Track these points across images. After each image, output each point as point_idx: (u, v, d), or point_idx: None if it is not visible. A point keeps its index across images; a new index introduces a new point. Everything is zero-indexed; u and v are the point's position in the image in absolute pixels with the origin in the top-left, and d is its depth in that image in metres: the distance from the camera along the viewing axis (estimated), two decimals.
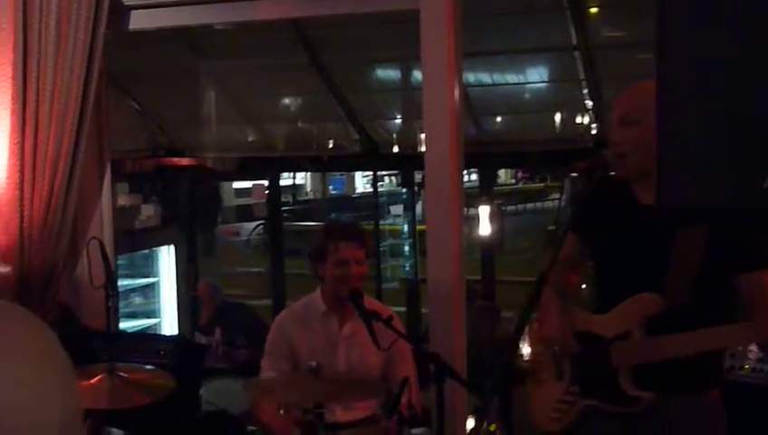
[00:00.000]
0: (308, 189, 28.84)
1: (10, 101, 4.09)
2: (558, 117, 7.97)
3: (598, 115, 7.50)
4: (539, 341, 3.11)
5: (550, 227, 16.52)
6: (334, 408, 3.74)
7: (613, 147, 2.80)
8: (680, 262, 2.65)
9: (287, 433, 3.55)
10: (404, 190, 12.02)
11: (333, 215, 20.75)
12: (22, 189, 4.14)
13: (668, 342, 2.67)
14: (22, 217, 4.16)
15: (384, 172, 17.33)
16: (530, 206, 25.22)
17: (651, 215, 2.68)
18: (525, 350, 6.64)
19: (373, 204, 12.22)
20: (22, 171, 4.13)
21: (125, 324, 7.95)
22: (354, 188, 27.83)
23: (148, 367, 3.53)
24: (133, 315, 8.80)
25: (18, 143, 4.11)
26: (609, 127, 2.90)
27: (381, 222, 12.72)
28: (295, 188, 25.87)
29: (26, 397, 0.80)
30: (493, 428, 3.96)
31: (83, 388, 3.13)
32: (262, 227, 18.92)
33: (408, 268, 12.17)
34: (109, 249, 4.18)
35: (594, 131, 7.58)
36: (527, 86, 7.94)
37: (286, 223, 12.07)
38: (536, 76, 7.84)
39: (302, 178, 27.19)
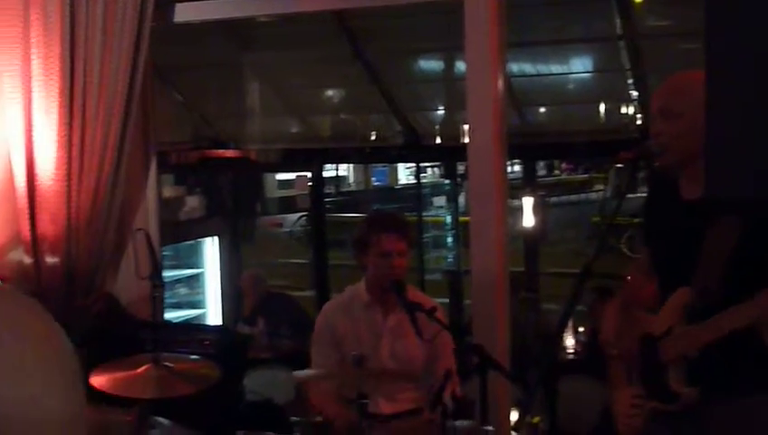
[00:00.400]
0: (351, 181, 28.85)
1: (58, 94, 4.14)
2: (602, 107, 7.90)
3: (643, 106, 7.41)
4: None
5: (594, 219, 16.39)
6: (378, 399, 3.75)
7: (654, 138, 2.77)
8: (711, 252, 2.62)
9: (343, 417, 3.54)
10: (447, 181, 11.99)
11: (376, 206, 20.74)
12: (69, 181, 4.20)
13: (698, 328, 2.64)
14: (69, 208, 4.21)
15: (427, 163, 17.30)
16: (573, 197, 25.01)
17: (693, 207, 2.66)
18: (569, 342, 6.60)
19: (416, 195, 12.20)
20: (69, 164, 4.19)
21: (170, 315, 8.02)
22: (397, 180, 27.78)
23: (193, 357, 3.57)
24: (178, 306, 8.88)
25: (66, 136, 4.17)
26: (651, 118, 2.86)
27: (424, 213, 12.70)
28: (338, 180, 25.91)
29: (31, 388, 0.81)
30: (536, 420, 3.95)
31: (130, 377, 3.17)
32: (305, 218, 18.98)
33: (450, 260, 12.13)
34: (154, 240, 4.22)
35: (639, 122, 7.50)
36: (571, 76, 7.88)
37: (329, 214, 12.10)
38: (580, 66, 7.77)
39: (344, 169, 27.21)
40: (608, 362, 3.04)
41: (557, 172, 28.83)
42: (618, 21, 6.67)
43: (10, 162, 4.27)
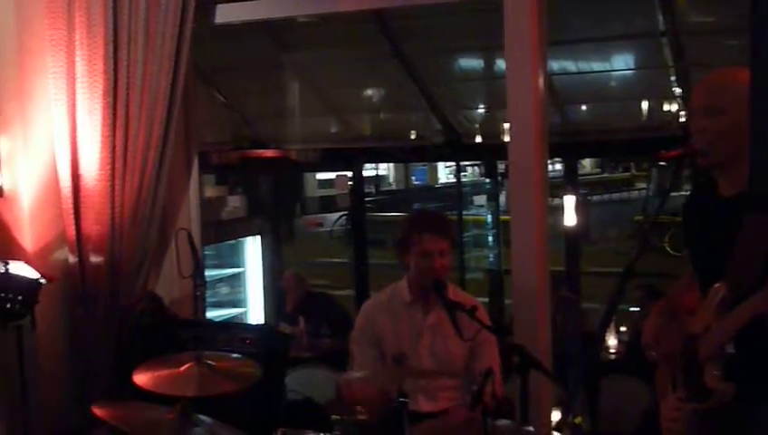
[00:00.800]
0: (391, 180, 28.91)
1: (101, 95, 4.19)
2: (645, 105, 7.82)
3: (686, 102, 7.32)
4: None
5: (636, 218, 16.24)
6: (418, 397, 3.75)
7: (697, 136, 2.73)
8: (747, 246, 2.58)
9: (382, 414, 3.53)
10: (487, 180, 11.95)
11: (416, 205, 20.74)
12: (113, 181, 4.24)
13: (725, 321, 2.61)
14: (113, 208, 4.26)
15: (467, 162, 17.26)
16: (615, 196, 24.83)
17: (733, 204, 2.63)
18: (611, 341, 6.55)
19: (456, 194, 12.17)
20: (113, 164, 4.23)
21: (212, 314, 8.09)
22: (437, 179, 27.78)
23: (235, 355, 3.58)
24: (220, 305, 8.94)
25: (109, 136, 4.22)
26: (691, 116, 2.83)
27: (464, 212, 12.66)
28: (378, 179, 25.97)
29: None
30: (578, 420, 3.93)
31: (172, 376, 3.19)
32: (345, 217, 19.03)
33: (491, 259, 12.09)
34: (196, 240, 4.26)
35: (682, 119, 7.41)
36: (613, 74, 7.80)
37: (369, 213, 12.11)
38: (622, 63, 7.69)
39: (384, 168, 27.28)
40: (656, 370, 3.01)
41: (597, 170, 28.62)
42: (660, 17, 6.60)
43: (55, 163, 4.33)
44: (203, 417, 3.03)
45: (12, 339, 3.92)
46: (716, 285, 2.69)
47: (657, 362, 2.97)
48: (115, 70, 4.18)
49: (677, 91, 7.39)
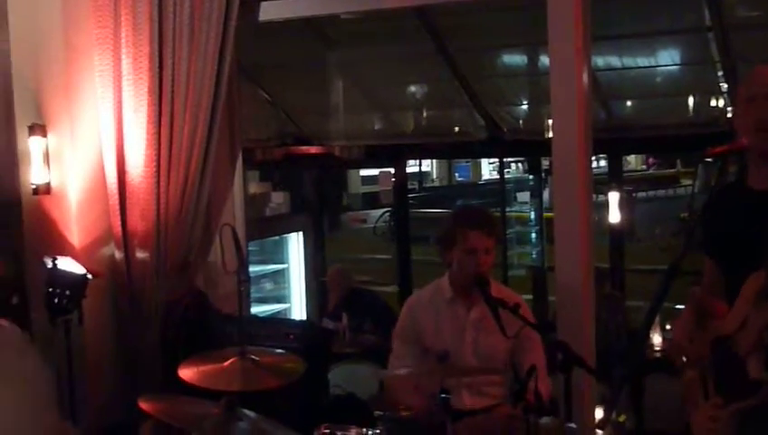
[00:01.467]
0: (434, 176, 28.86)
1: (147, 93, 4.24)
2: (691, 100, 7.72)
3: (733, 98, 7.22)
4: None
5: (682, 215, 16.03)
6: (461, 394, 3.74)
7: (761, 123, 2.70)
8: None
9: (426, 410, 3.54)
10: (531, 177, 11.89)
11: (459, 202, 20.69)
12: (158, 178, 4.29)
13: (763, 308, 2.57)
14: (158, 204, 4.31)
15: (510, 159, 17.17)
16: (661, 192, 24.55)
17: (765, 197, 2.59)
18: (656, 340, 6.50)
19: (499, 191, 12.12)
20: (158, 161, 4.28)
21: (256, 309, 8.14)
22: (480, 175, 27.68)
23: (279, 351, 3.61)
24: (264, 300, 9.00)
25: (155, 134, 4.26)
26: (742, 106, 2.79)
27: (508, 209, 12.60)
28: (421, 176, 25.92)
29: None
30: (622, 418, 3.90)
31: (217, 370, 3.22)
32: (388, 214, 19.03)
33: (534, 256, 12.03)
34: (240, 236, 4.29)
35: (729, 115, 7.30)
36: (658, 69, 7.71)
37: (412, 210, 12.09)
38: (668, 59, 7.60)
39: (427, 165, 27.23)
40: (684, 381, 2.96)
41: (642, 167, 28.34)
42: (707, 12, 6.51)
43: (102, 160, 4.38)
44: (247, 411, 3.05)
45: (60, 334, 3.98)
46: (753, 275, 2.65)
47: (684, 367, 2.93)
48: (160, 68, 4.22)
49: (724, 86, 7.29)
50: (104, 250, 4.48)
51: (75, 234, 4.39)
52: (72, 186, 4.39)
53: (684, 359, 2.91)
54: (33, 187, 4.24)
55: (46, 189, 4.28)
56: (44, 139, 4.25)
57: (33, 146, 4.22)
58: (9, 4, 4.11)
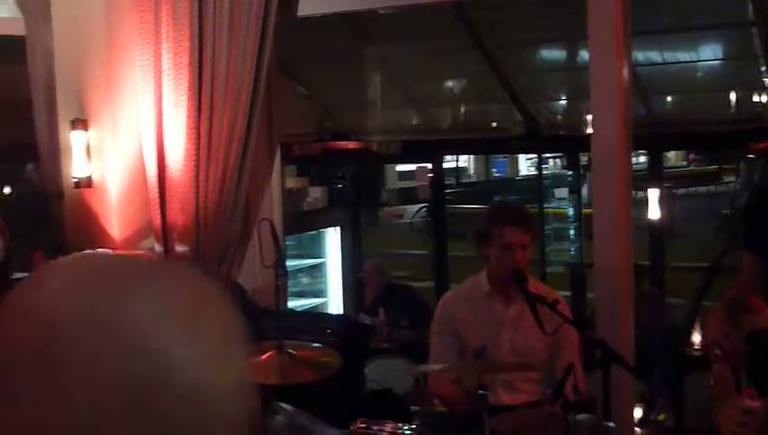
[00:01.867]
0: (471, 172, 28.77)
1: (187, 87, 4.26)
2: (733, 96, 7.62)
3: None
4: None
5: (724, 212, 15.86)
6: (498, 390, 3.73)
7: None
8: None
9: (463, 407, 3.53)
10: (569, 173, 11.81)
11: (497, 197, 20.63)
12: (197, 172, 4.32)
13: None
14: (197, 198, 4.33)
15: (548, 154, 17.07)
16: (702, 189, 24.27)
17: None
18: (696, 338, 6.43)
19: (537, 186, 12.07)
20: (198, 154, 4.31)
21: (293, 303, 8.18)
22: (517, 171, 27.56)
23: (315, 345, 3.62)
24: (301, 295, 9.04)
25: (194, 128, 4.29)
26: None
27: (545, 205, 12.55)
28: (458, 171, 25.86)
29: (212, 371, 0.83)
30: (662, 417, 3.87)
31: (254, 364, 3.24)
32: (425, 209, 19.02)
33: (573, 252, 11.96)
34: (278, 230, 4.30)
35: None
36: (700, 64, 7.63)
37: (449, 205, 12.07)
38: (710, 54, 7.51)
39: (465, 160, 27.14)
40: (713, 375, 2.93)
41: (683, 163, 28.04)
42: (750, 6, 6.42)
43: (142, 154, 4.42)
44: (284, 405, 3.07)
45: None
46: None
47: (716, 362, 2.89)
48: (200, 63, 4.25)
49: (767, 82, 7.19)
50: (144, 243, 4.52)
51: (116, 227, 4.44)
52: (112, 179, 4.43)
53: (717, 352, 2.88)
54: (75, 180, 4.29)
55: (87, 183, 4.32)
56: (86, 133, 4.30)
57: (75, 140, 4.27)
58: (52, 1, 4.17)
